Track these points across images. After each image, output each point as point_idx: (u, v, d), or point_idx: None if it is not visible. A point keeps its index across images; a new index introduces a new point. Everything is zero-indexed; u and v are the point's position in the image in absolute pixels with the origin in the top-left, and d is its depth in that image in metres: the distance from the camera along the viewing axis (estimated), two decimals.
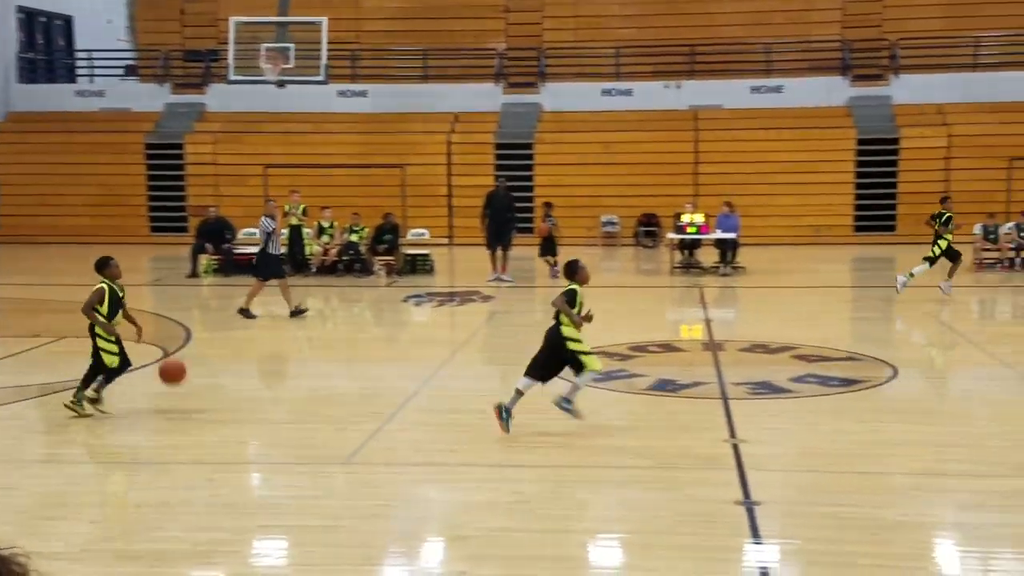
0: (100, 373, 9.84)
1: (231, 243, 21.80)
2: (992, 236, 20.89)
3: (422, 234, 23.89)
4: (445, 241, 25.94)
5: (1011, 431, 9.44)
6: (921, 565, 6.48)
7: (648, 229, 26.65)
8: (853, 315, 17.46)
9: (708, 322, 15.79)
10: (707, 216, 21.32)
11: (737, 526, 7.08)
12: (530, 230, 25.19)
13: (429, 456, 8.83)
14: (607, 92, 28.81)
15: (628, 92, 28.73)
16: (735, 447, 8.87)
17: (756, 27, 29.04)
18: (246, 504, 7.84)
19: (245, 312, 15.40)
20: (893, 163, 26.50)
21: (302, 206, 20.96)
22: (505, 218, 19.88)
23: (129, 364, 10.05)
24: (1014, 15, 27.84)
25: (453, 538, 6.96)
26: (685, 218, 21.17)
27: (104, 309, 9.79)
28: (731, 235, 20.84)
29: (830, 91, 27.96)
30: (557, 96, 29.13)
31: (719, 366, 12.06)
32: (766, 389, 11.01)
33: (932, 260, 16.91)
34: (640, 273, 23.27)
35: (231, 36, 23.60)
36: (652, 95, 28.51)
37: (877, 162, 26.53)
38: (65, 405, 9.78)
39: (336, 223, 21.31)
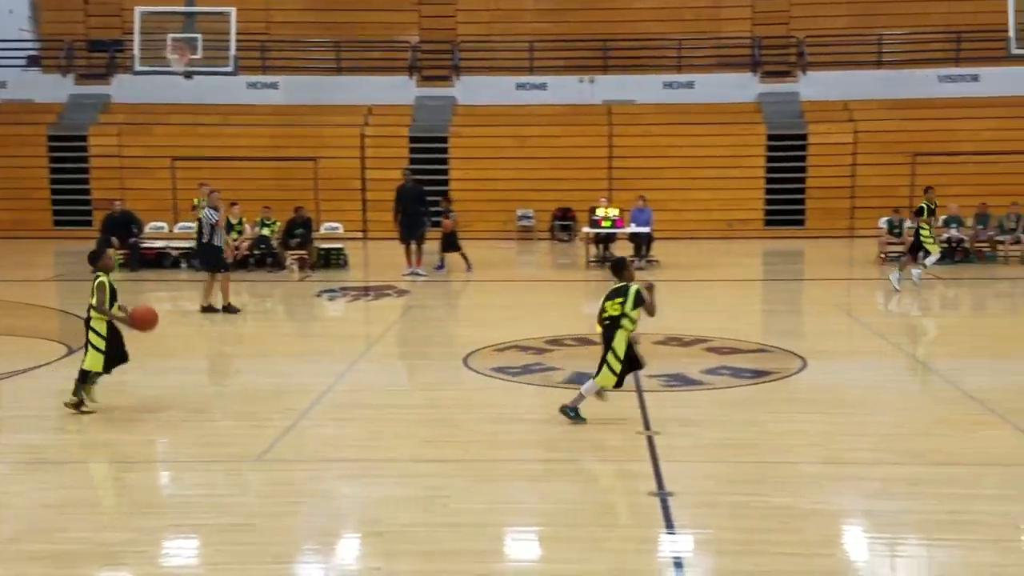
0: (131, 366, 9.76)
1: (138, 237, 21.31)
2: (896, 230, 21.42)
3: (336, 228, 23.66)
4: (359, 235, 25.72)
5: (915, 421, 9.68)
6: (830, 552, 6.60)
7: (563, 223, 26.78)
8: (764, 308, 17.76)
9: None
10: (622, 210, 21.49)
11: (651, 517, 7.14)
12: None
13: (343, 452, 8.72)
14: (521, 86, 28.89)
15: (542, 86, 28.84)
16: (649, 439, 8.94)
17: (668, 23, 29.37)
18: (155, 503, 7.65)
19: (209, 308, 15.25)
20: (802, 158, 27.06)
21: None
22: (417, 211, 19.75)
23: (126, 359, 9.83)
24: (917, 13, 28.63)
25: (367, 534, 6.89)
26: (600, 212, 21.30)
27: (107, 304, 9.66)
28: (645, 229, 21.05)
29: (740, 87, 28.42)
30: (471, 89, 29.10)
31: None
32: (679, 381, 11.13)
33: (932, 247, 17.31)
34: (556, 267, 23.35)
35: (136, 26, 23.08)
36: (566, 89, 28.66)
37: (786, 157, 27.06)
38: (66, 404, 9.59)
39: (245, 219, 20.92)
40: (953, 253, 20.92)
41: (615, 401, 10.33)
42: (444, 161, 27.79)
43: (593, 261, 21.41)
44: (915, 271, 17.24)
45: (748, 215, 27.00)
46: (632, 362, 9.19)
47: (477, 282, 19.44)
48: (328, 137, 27.63)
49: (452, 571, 6.28)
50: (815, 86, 28.17)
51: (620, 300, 9.15)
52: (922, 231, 17.32)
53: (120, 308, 9.78)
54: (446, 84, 29.55)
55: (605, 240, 21.65)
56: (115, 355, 9.69)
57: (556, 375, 11.35)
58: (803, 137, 27.09)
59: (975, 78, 27.43)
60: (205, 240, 15.73)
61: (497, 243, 25.35)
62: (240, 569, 6.33)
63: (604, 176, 27.14)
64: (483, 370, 11.56)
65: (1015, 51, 24.29)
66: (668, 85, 28.52)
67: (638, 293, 9.13)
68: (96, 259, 9.95)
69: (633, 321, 9.11)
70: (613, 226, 21.27)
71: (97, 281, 9.70)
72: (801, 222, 26.85)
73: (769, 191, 27.15)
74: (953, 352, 12.83)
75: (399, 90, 29.12)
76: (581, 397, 9.27)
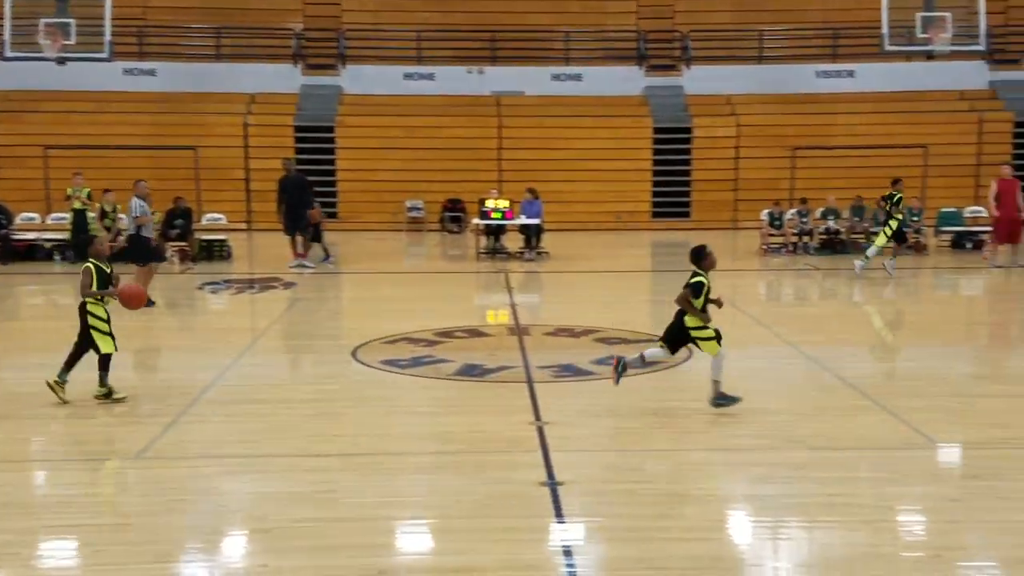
0: (90, 357, 9.72)
1: (7, 229, 20.48)
2: (777, 222, 21.96)
3: (219, 219, 23.12)
4: (243, 226, 25.20)
5: (796, 407, 9.93)
6: (715, 536, 6.71)
7: (453, 214, 26.70)
8: (652, 298, 17.98)
9: (514, 307, 15.94)
10: (511, 202, 21.53)
11: (542, 507, 7.15)
12: (334, 214, 24.83)
13: (228, 448, 8.51)
14: (409, 76, 28.69)
15: (430, 76, 28.70)
16: (540, 429, 8.96)
17: (555, 15, 29.53)
18: (30, 503, 7.34)
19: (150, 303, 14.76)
20: (687, 151, 27.51)
21: (86, 190, 19.92)
22: (300, 202, 19.41)
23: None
24: (796, 10, 29.39)
25: (254, 531, 6.73)
26: (490, 204, 21.30)
27: (94, 287, 9.74)
28: (535, 221, 21.13)
29: (627, 80, 28.75)
30: (358, 79, 28.78)
31: (524, 350, 12.17)
32: (570, 372, 11.18)
33: (889, 238, 18.06)
34: (446, 259, 23.28)
35: (7, 10, 22.19)
36: (454, 80, 28.57)
37: (672, 150, 27.47)
38: (48, 384, 9.62)
39: (120, 206, 20.21)
40: (832, 245, 21.54)
41: (505, 393, 10.34)
42: (331, 151, 27.42)
43: (483, 252, 21.40)
44: (858, 262, 18.09)
45: (636, 207, 27.35)
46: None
47: (366, 274, 19.24)
48: (209, 126, 26.97)
49: (341, 566, 6.18)
50: (699, 80, 28.67)
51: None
52: (892, 221, 18.11)
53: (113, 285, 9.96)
54: (332, 73, 29.15)
55: (495, 232, 21.66)
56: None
57: (447, 367, 11.29)
58: (688, 131, 27.56)
59: (851, 74, 28.30)
60: (133, 232, 15.30)
61: (388, 235, 25.15)
62: (119, 569, 6.11)
63: (494, 168, 27.16)
64: (372, 363, 11.43)
65: (889, 47, 25.19)
66: (556, 77, 28.68)
67: (697, 285, 9.30)
68: (88, 246, 10.22)
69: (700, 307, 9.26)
70: (503, 218, 21.29)
71: (83, 266, 9.86)
72: (687, 214, 27.32)
73: (656, 183, 27.54)
74: (832, 340, 13.20)
75: (283, 78, 28.63)
76: (717, 383, 9.35)
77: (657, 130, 27.57)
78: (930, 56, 27.05)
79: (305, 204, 19.47)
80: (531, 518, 6.98)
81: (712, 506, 7.25)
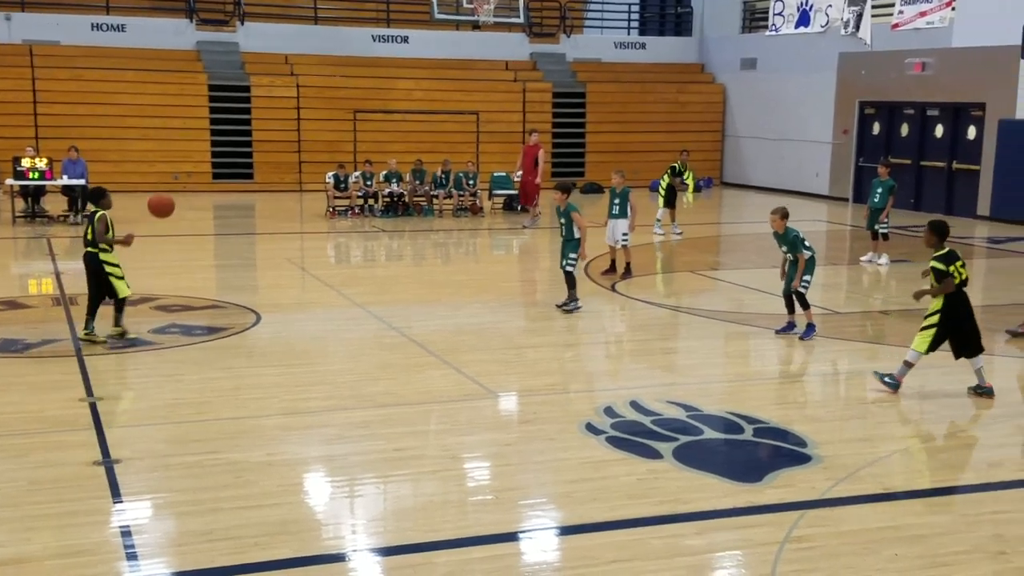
0: (107, 302, 10.51)
1: None
2: (342, 185, 22.07)
3: None
4: None
5: (363, 367, 10.04)
6: (287, 500, 6.58)
7: None
8: (216, 263, 17.39)
9: (59, 275, 14.70)
10: (51, 161, 19.80)
11: (97, 487, 6.63)
12: None
13: None
14: None
15: None
16: (92, 405, 8.34)
17: None
18: None
19: None
20: (246, 111, 26.80)
21: None
22: None
23: None
24: None
25: None
26: (26, 163, 19.44)
27: (110, 235, 10.41)
28: (79, 181, 19.60)
29: (177, 34, 27.37)
30: None
31: (72, 321, 11.24)
32: (125, 343, 10.49)
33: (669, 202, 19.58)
34: None
35: None
36: None
37: (231, 109, 26.63)
38: (81, 339, 10.29)
39: None
40: (396, 207, 22.05)
41: (51, 368, 9.53)
42: None
43: (21, 216, 19.51)
44: (675, 229, 19.51)
45: (195, 168, 26.26)
46: None
47: None
48: None
49: None
50: (255, 38, 27.97)
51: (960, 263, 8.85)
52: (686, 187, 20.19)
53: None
54: None
55: (34, 193, 19.81)
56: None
57: None
58: (247, 89, 26.84)
59: (406, 39, 29.01)
60: None
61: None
62: None
63: (29, 123, 24.77)
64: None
65: (438, 16, 26.19)
66: (97, 27, 26.64)
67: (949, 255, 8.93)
68: (100, 197, 10.53)
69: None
70: (42, 178, 19.54)
71: (97, 215, 10.36)
72: (250, 175, 26.67)
73: (215, 143, 26.57)
74: (397, 300, 13.50)
75: None
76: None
77: (213, 87, 26.54)
78: (476, 26, 28.46)
79: None
80: (85, 500, 6.45)
81: (282, 471, 7.11)
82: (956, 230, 20.05)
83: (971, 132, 22.93)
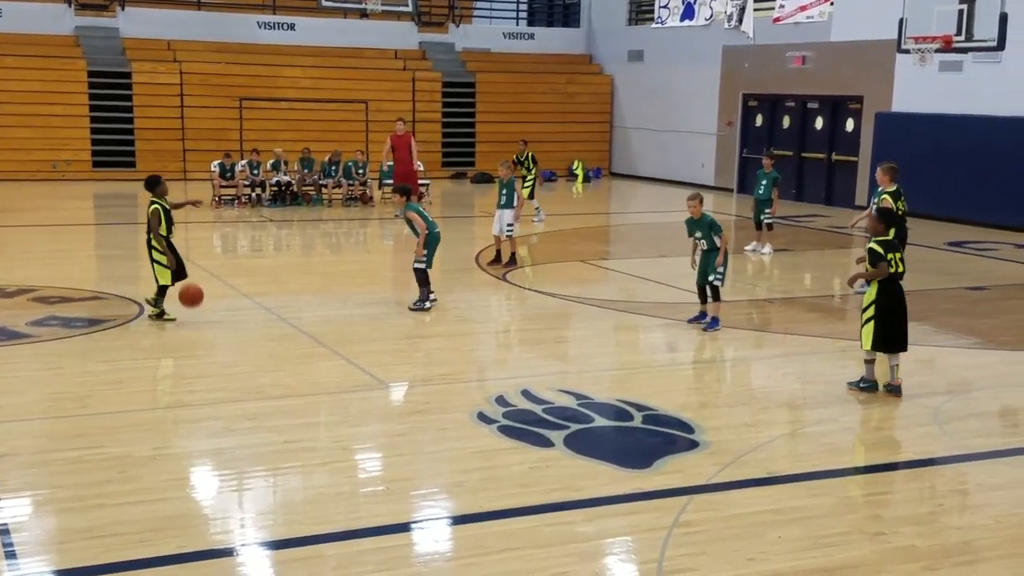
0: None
1: None
2: (229, 174, 21.64)
3: None
4: None
5: (252, 358, 9.88)
6: (173, 495, 6.43)
7: None
8: (98, 253, 16.89)
9: None
10: None
11: None
12: None
13: None
14: None
15: None
16: None
17: None
18: None
19: None
20: (128, 98, 26.04)
21: None
22: None
23: (185, 276, 11.06)
24: None
25: None
26: None
27: (163, 229, 10.80)
28: None
29: (55, 19, 26.43)
30: None
31: None
32: (2, 336, 10.12)
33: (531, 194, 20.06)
34: None
35: None
36: None
37: (112, 96, 25.85)
38: (150, 317, 10.95)
39: None
40: (284, 196, 21.71)
41: None
42: None
43: None
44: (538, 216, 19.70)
45: (75, 156, 25.42)
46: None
47: None
48: None
49: None
50: (137, 24, 27.17)
51: (899, 255, 8.64)
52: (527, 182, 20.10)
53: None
54: None
55: None
56: (177, 269, 10.95)
57: None
58: (127, 76, 26.07)
59: (292, 27, 28.55)
60: None
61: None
62: None
63: None
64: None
65: (325, 4, 25.87)
66: None
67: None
68: (154, 186, 10.88)
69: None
70: None
71: (151, 208, 10.82)
72: (132, 164, 25.90)
73: (96, 131, 25.75)
74: (286, 290, 13.31)
75: None
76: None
77: (93, 74, 25.71)
78: (364, 15, 28.17)
79: None
80: None
81: (167, 465, 6.95)
82: (834, 220, 20.72)
83: (849, 124, 23.67)
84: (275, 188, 21.85)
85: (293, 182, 21.84)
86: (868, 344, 8.58)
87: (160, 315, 10.97)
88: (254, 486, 6.74)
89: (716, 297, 11.03)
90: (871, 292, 8.56)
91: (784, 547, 5.83)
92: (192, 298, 10.78)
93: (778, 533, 6.00)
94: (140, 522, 5.95)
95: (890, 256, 8.50)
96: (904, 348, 8.66)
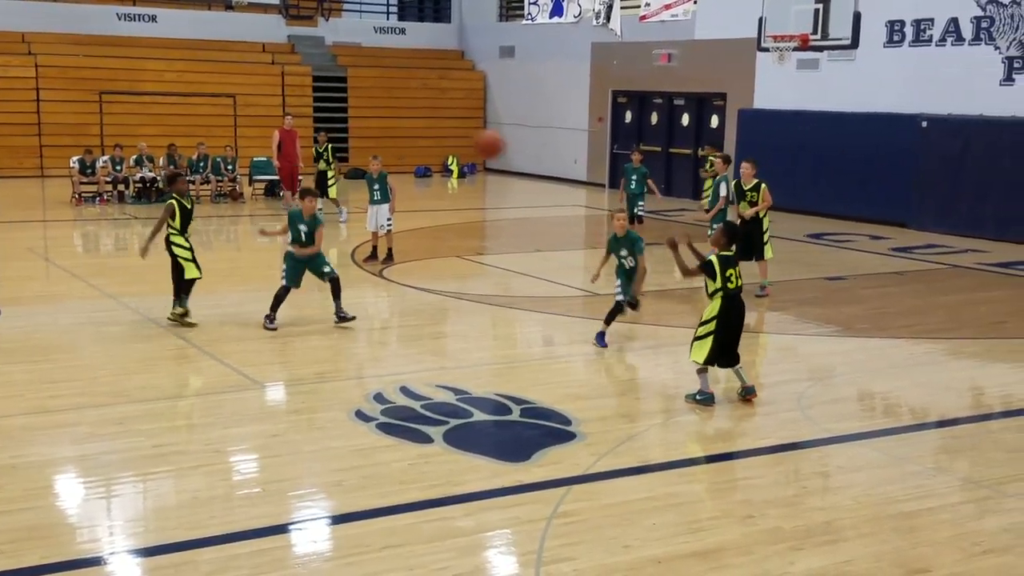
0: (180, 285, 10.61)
1: None
2: (89, 170, 20.90)
3: None
4: None
5: (118, 360, 9.58)
6: (36, 504, 6.19)
7: None
8: None
9: None
10: None
11: None
12: None
13: None
14: None
15: None
16: None
17: None
18: None
19: None
20: None
21: None
22: None
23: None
24: None
25: None
26: None
27: (176, 223, 10.52)
28: None
29: None
30: None
31: None
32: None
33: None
34: None
35: None
36: None
37: None
38: (169, 319, 10.58)
39: None
40: (149, 193, 21.06)
41: None
42: None
43: None
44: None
45: None
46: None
47: None
48: None
49: None
50: None
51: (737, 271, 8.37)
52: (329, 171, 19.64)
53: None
54: None
55: None
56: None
57: None
58: None
59: (154, 18, 27.73)
60: None
61: None
62: None
63: None
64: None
65: None
66: None
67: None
68: (172, 182, 10.78)
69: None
70: None
71: (167, 202, 10.63)
72: None
73: None
74: (153, 290, 12.87)
75: None
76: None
77: None
78: (229, 6, 27.58)
79: None
80: None
81: (29, 473, 6.69)
82: (702, 214, 21.15)
83: (714, 121, 24.29)
84: (139, 184, 21.20)
85: (158, 178, 21.23)
86: (701, 358, 8.33)
87: (183, 315, 10.65)
88: (122, 492, 6.54)
89: (616, 313, 10.36)
90: (713, 307, 8.34)
91: (659, 533, 5.96)
92: (489, 146, 11.08)
93: (653, 520, 6.13)
94: (1, 533, 5.71)
95: (729, 272, 8.31)
96: (738, 361, 8.51)
